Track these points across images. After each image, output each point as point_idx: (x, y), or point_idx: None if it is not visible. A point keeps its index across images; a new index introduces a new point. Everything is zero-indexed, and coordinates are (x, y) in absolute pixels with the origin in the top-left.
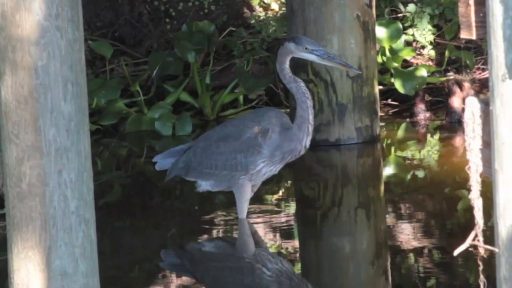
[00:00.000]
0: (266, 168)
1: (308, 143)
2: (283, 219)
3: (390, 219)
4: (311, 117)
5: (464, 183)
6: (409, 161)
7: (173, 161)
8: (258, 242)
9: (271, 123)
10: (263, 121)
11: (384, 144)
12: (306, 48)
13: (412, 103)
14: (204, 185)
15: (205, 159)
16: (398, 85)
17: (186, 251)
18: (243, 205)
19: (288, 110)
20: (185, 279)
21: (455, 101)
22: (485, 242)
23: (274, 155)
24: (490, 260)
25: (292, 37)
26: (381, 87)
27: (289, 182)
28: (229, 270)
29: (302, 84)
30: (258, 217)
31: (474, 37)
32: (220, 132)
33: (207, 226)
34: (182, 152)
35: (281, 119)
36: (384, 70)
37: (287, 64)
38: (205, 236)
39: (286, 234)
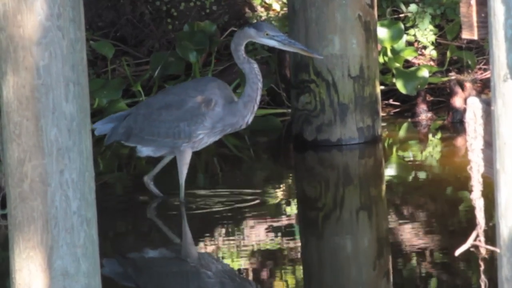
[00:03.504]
0: (207, 138)
1: (250, 120)
2: (285, 219)
3: (391, 219)
4: (258, 98)
5: (465, 183)
6: (410, 161)
7: (112, 126)
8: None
9: (215, 93)
10: (206, 90)
11: (386, 144)
12: (267, 34)
13: (413, 103)
14: (145, 151)
15: (146, 126)
16: (399, 85)
17: (129, 258)
18: (184, 170)
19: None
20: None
21: (457, 101)
22: (487, 243)
23: (215, 127)
24: (492, 261)
25: (253, 23)
26: (382, 87)
27: (291, 182)
28: (173, 275)
29: (255, 65)
30: (259, 217)
31: (475, 37)
32: (162, 100)
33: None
34: (122, 118)
35: (224, 90)
36: (385, 70)
37: (242, 46)
38: (149, 242)
39: (287, 234)
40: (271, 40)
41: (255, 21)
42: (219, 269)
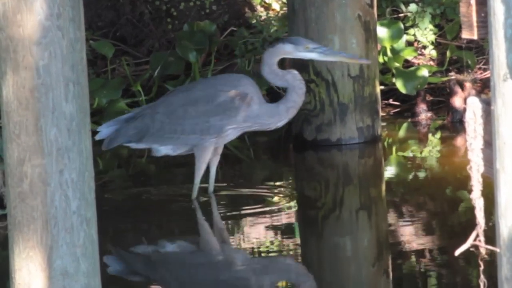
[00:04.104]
0: (234, 133)
1: (282, 124)
2: (284, 219)
3: (391, 219)
4: (301, 104)
5: (465, 183)
6: (410, 161)
7: (115, 129)
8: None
9: (249, 89)
10: (240, 85)
11: (386, 144)
12: (307, 47)
13: (413, 103)
14: (164, 150)
15: (167, 124)
16: (399, 85)
17: (140, 254)
18: (202, 166)
19: None
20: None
21: (457, 101)
22: (486, 242)
23: (246, 121)
24: (491, 260)
25: (285, 39)
26: (382, 87)
27: (290, 182)
28: (202, 268)
29: (295, 72)
30: (259, 217)
31: (475, 37)
32: (186, 97)
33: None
34: (124, 121)
35: (257, 88)
36: (385, 70)
37: (276, 64)
38: (167, 237)
39: (287, 233)
40: (311, 53)
41: (254, 21)
42: (242, 260)
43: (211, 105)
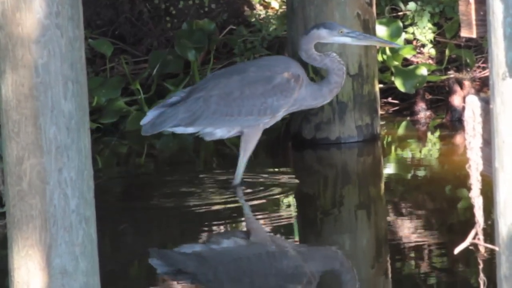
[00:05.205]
0: (282, 114)
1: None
2: (283, 218)
3: (390, 217)
4: (343, 83)
5: (464, 182)
6: (409, 160)
7: (159, 114)
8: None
9: (300, 71)
10: (291, 67)
11: (385, 143)
12: (341, 32)
13: (412, 101)
14: (219, 132)
15: (223, 106)
16: (398, 83)
17: (191, 252)
18: (251, 148)
19: None
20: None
21: (456, 100)
22: (486, 241)
23: (294, 103)
24: (491, 259)
25: (320, 24)
26: (381, 85)
27: (289, 180)
28: (249, 259)
29: (334, 54)
30: (258, 215)
31: (474, 35)
32: (243, 79)
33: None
34: (168, 105)
35: (303, 70)
36: (384, 68)
37: (313, 49)
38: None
39: (286, 232)
40: (345, 38)
41: (253, 19)
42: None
43: (269, 86)
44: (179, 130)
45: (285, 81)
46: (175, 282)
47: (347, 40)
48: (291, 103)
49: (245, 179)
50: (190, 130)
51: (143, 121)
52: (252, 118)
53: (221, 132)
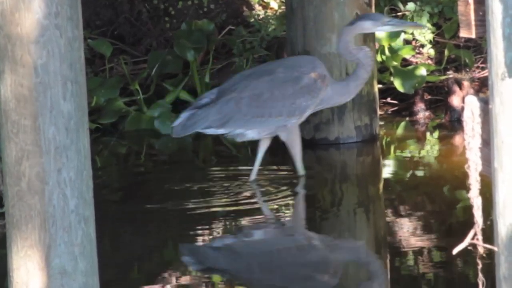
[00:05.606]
0: (309, 113)
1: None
2: (282, 218)
3: (389, 217)
4: (367, 79)
5: (463, 182)
6: (408, 160)
7: (189, 116)
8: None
9: (324, 71)
10: (317, 67)
11: (384, 143)
12: (383, 22)
13: (411, 101)
14: (250, 134)
15: (255, 107)
16: (397, 83)
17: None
18: (299, 143)
19: None
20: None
21: (455, 100)
22: (484, 241)
23: (321, 103)
24: (490, 259)
25: (365, 15)
26: (380, 85)
27: (288, 180)
28: (280, 252)
29: (367, 49)
30: (257, 216)
31: (473, 35)
32: (272, 81)
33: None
34: (199, 107)
35: (326, 69)
36: (383, 68)
37: (351, 43)
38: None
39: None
40: (386, 27)
41: (252, 20)
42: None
43: (297, 87)
44: (210, 131)
45: (312, 81)
46: (175, 282)
47: (387, 28)
48: (318, 103)
49: (245, 182)
50: (221, 131)
51: (174, 123)
52: (282, 119)
53: (252, 134)
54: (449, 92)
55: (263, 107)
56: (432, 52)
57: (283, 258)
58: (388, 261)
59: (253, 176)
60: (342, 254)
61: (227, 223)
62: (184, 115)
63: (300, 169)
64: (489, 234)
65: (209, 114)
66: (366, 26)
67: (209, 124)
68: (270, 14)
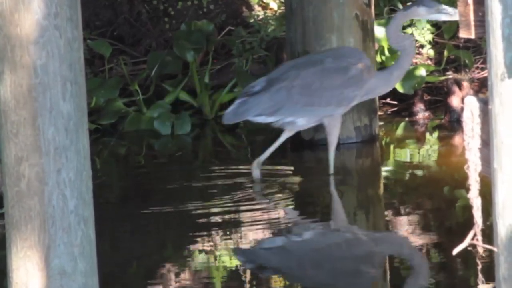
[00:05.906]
0: (355, 103)
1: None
2: (282, 219)
3: (389, 218)
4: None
5: (463, 182)
6: (408, 160)
7: (239, 102)
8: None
9: (369, 62)
10: (363, 58)
11: (383, 144)
12: (437, 9)
13: (411, 102)
14: (300, 122)
15: (305, 96)
16: (397, 84)
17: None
18: (337, 137)
19: None
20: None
21: (454, 100)
22: (484, 242)
23: (367, 93)
24: (489, 260)
25: (419, 1)
26: None
27: (288, 181)
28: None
29: (412, 38)
30: (257, 216)
31: (473, 36)
32: (321, 71)
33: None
34: (250, 94)
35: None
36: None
37: (400, 28)
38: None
39: (284, 233)
40: (440, 14)
41: (252, 20)
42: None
43: (345, 77)
44: (260, 119)
45: (359, 72)
46: (175, 282)
47: (442, 16)
48: (363, 93)
49: (245, 182)
50: (271, 119)
51: (227, 110)
52: (331, 108)
53: (301, 122)
54: (449, 93)
55: (314, 96)
56: (431, 52)
57: (332, 253)
58: (387, 261)
59: (263, 158)
60: (387, 248)
61: (227, 223)
62: (237, 102)
63: (331, 166)
64: (489, 234)
65: (261, 101)
66: (420, 12)
67: (261, 112)
68: (269, 14)
